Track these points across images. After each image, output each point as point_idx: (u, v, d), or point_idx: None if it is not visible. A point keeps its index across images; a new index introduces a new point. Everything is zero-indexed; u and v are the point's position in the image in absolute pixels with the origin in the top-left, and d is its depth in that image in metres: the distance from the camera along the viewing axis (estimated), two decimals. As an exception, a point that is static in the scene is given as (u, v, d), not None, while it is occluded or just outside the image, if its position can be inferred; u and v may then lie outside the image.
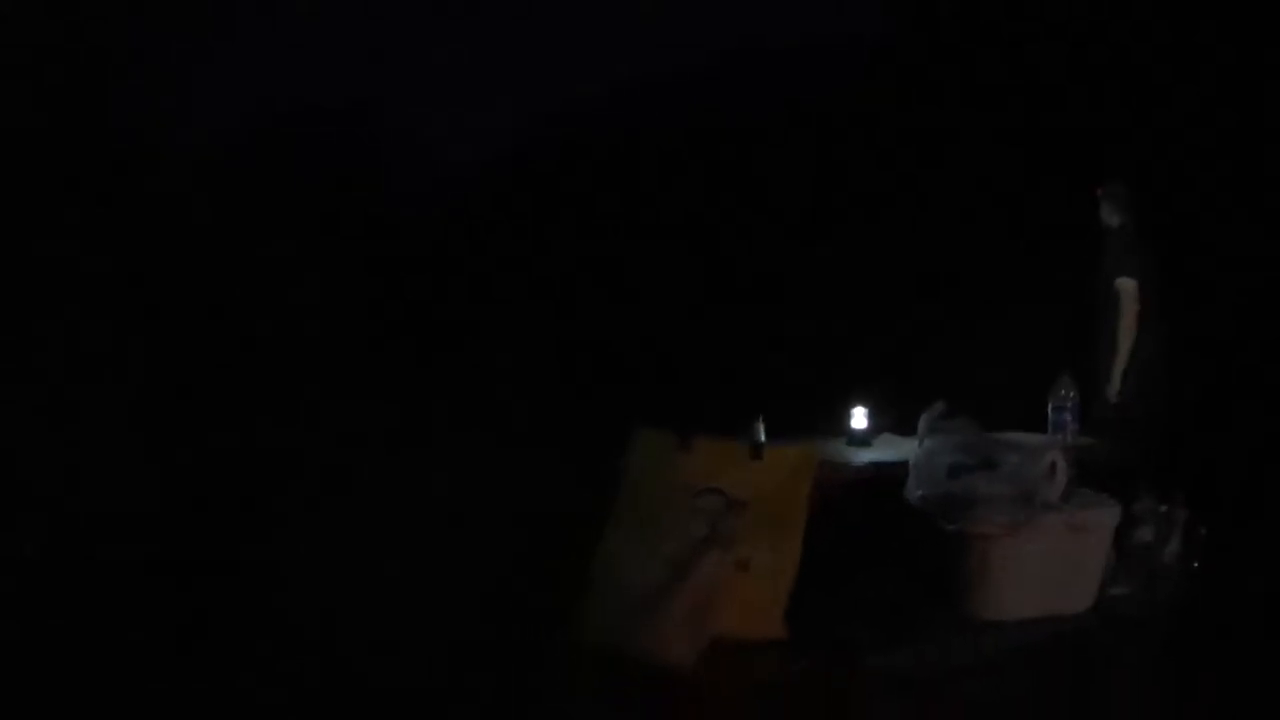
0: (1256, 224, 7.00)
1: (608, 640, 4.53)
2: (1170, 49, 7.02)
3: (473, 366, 6.19)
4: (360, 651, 4.47)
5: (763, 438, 5.26)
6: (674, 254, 6.64)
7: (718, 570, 4.51)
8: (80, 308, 5.82)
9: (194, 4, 6.29)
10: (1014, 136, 7.01)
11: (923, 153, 7.05)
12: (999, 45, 7.22)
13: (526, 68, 6.77)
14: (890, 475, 5.27)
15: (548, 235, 6.58)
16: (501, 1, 6.77)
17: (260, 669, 4.36)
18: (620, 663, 4.43)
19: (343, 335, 6.23)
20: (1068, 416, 5.69)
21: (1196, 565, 5.53)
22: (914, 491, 5.13)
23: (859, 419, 5.67)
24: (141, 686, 4.22)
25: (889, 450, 5.55)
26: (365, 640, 4.54)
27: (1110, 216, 6.27)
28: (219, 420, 5.95)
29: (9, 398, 5.54)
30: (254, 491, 5.60)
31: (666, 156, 6.80)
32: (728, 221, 6.79)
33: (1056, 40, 7.15)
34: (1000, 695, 4.50)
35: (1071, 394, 5.73)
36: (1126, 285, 6.10)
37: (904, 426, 5.72)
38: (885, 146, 6.99)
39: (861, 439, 5.65)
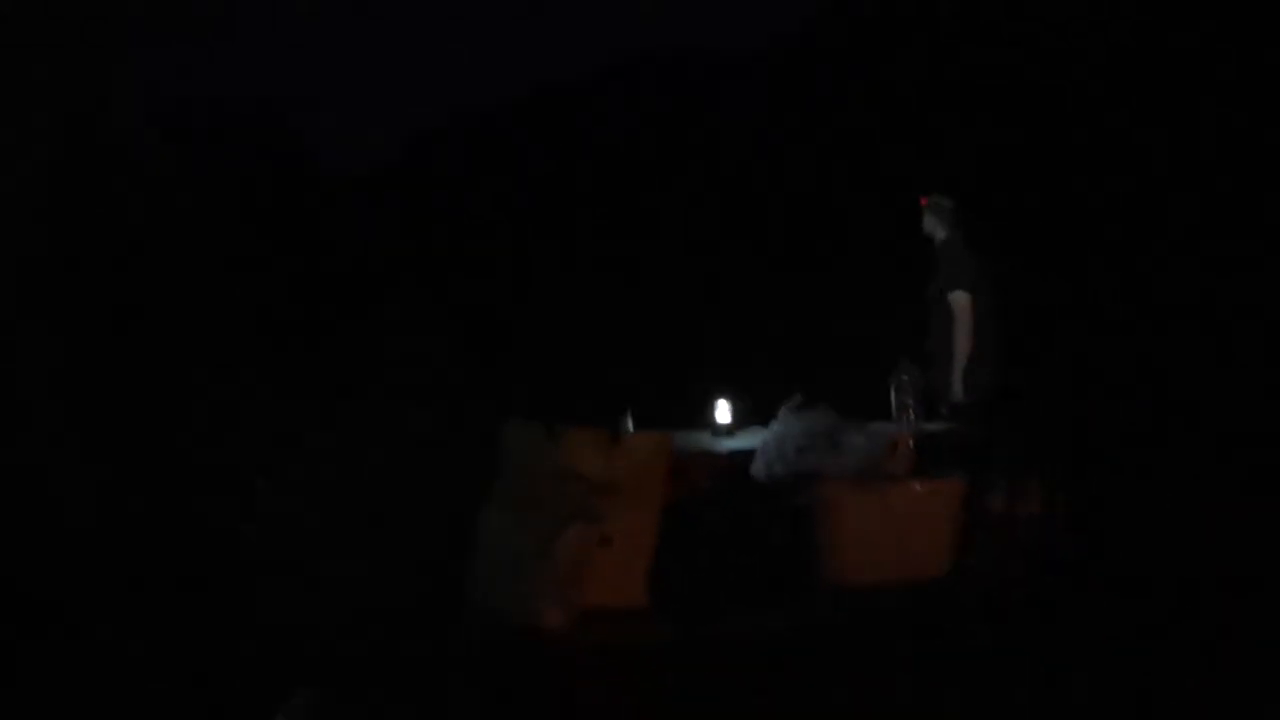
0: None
1: (491, 606, 5.01)
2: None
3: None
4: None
5: (631, 429, 5.77)
6: (556, 258, 7.02)
7: (583, 544, 4.96)
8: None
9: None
10: (867, 145, 7.46)
11: (785, 161, 7.49)
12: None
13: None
14: (749, 461, 5.71)
15: (432, 235, 6.93)
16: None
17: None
18: (502, 626, 4.89)
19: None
20: (909, 399, 6.05)
21: (1055, 537, 5.68)
22: (761, 471, 5.57)
23: (722, 412, 6.14)
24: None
25: (751, 439, 5.94)
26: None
27: (936, 229, 6.42)
28: (157, 420, 6.28)
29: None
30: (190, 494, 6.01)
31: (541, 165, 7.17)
32: (603, 230, 7.19)
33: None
34: (853, 654, 4.72)
35: (911, 377, 6.07)
36: (960, 300, 6.24)
37: (769, 419, 6.19)
38: (744, 157, 7.41)
39: (725, 430, 6.11)
